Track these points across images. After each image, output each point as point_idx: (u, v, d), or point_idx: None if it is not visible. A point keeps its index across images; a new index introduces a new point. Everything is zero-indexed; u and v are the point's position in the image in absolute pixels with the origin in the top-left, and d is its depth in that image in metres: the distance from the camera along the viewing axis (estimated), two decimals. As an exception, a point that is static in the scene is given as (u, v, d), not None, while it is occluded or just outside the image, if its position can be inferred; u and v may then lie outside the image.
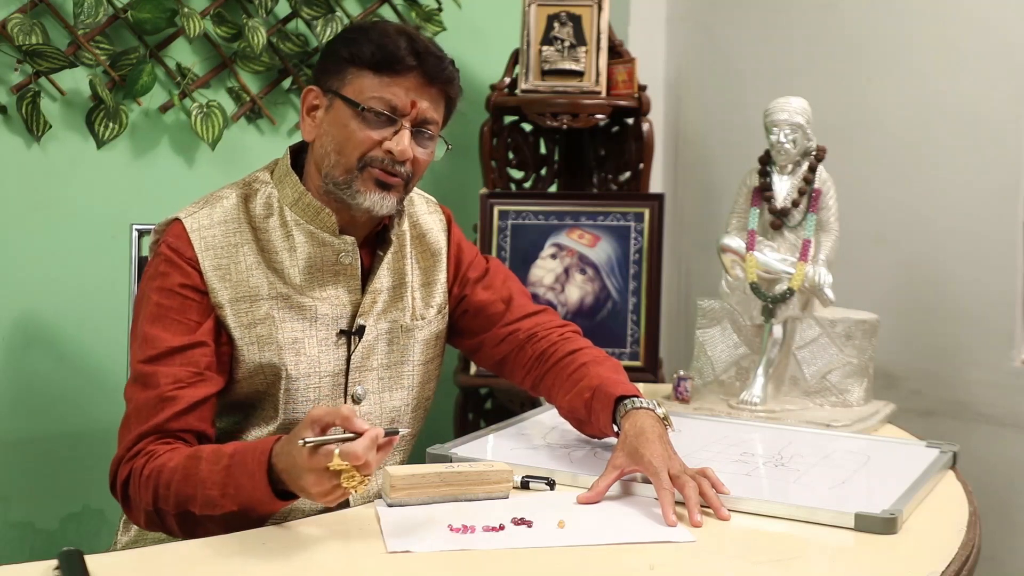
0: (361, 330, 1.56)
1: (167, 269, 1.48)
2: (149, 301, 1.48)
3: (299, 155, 1.60)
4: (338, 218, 1.54)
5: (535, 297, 2.53)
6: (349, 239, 1.54)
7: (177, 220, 1.52)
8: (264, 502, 1.30)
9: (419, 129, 1.51)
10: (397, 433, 1.27)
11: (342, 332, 1.55)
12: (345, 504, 1.55)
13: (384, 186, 1.50)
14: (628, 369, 2.08)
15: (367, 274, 1.59)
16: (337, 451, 1.20)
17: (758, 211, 2.06)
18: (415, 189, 1.73)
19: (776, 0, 2.86)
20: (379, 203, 1.50)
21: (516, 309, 1.71)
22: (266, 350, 1.50)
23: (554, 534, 1.29)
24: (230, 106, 2.38)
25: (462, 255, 1.72)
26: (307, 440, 1.21)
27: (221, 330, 1.49)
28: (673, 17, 3.14)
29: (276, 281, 1.52)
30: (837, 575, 1.25)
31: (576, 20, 2.61)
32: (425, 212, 1.70)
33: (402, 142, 1.48)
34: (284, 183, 1.56)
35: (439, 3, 2.67)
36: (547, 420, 1.80)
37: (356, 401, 1.57)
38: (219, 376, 1.48)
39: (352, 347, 1.56)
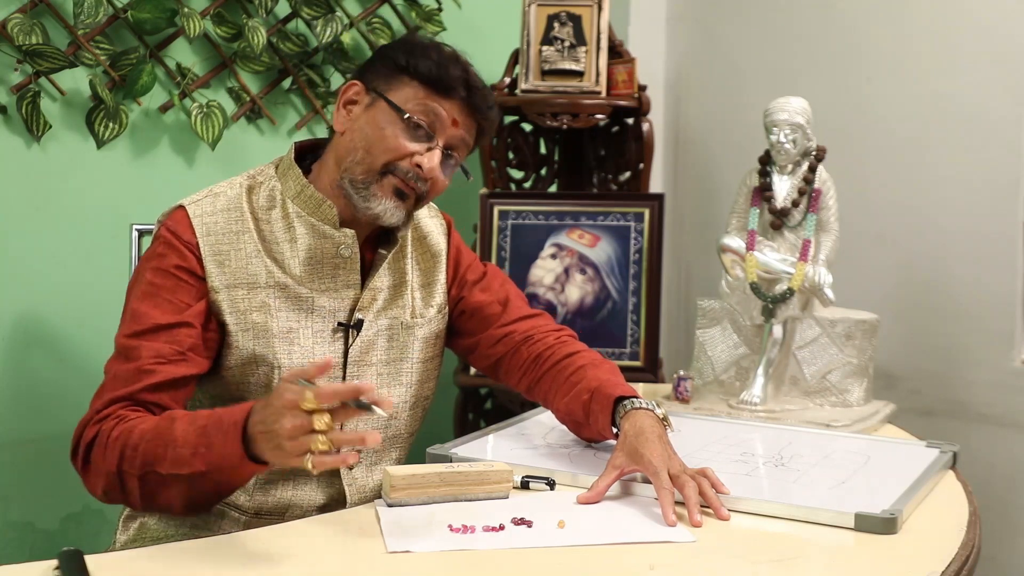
0: (359, 324, 1.57)
1: (164, 250, 1.50)
2: (142, 279, 1.49)
3: (304, 151, 1.62)
4: (341, 212, 1.55)
5: (535, 297, 2.54)
6: (349, 232, 1.55)
7: (181, 207, 1.54)
8: (234, 463, 1.28)
9: (448, 153, 1.54)
10: (370, 409, 1.21)
11: (340, 325, 1.56)
12: (343, 504, 1.56)
13: (401, 195, 1.53)
14: (628, 369, 2.08)
15: (367, 271, 1.60)
16: (309, 391, 1.19)
17: (758, 211, 2.06)
18: None
19: (776, 0, 2.86)
20: (391, 211, 1.53)
21: (512, 311, 1.72)
22: (259, 338, 1.51)
23: (554, 534, 1.29)
24: (230, 106, 2.38)
25: (461, 258, 1.74)
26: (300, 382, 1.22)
27: (211, 315, 1.50)
28: (673, 17, 3.14)
29: (275, 270, 1.53)
30: (837, 575, 1.25)
31: (576, 20, 2.61)
32: (427, 216, 1.72)
33: (433, 160, 1.51)
34: (287, 176, 1.57)
35: (439, 3, 2.67)
36: (547, 420, 1.80)
37: None
38: (202, 360, 1.48)
39: (350, 341, 1.57)
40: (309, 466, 1.19)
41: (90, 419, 1.41)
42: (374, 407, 1.21)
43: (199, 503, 1.38)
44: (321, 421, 1.20)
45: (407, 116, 1.50)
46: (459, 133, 1.54)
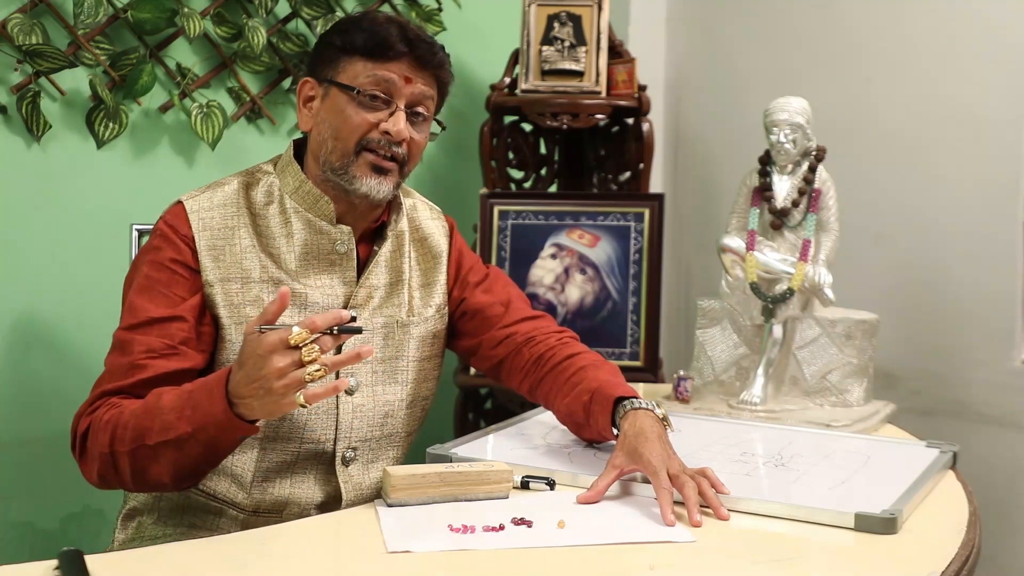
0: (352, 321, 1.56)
1: (160, 244, 1.52)
2: (139, 273, 1.51)
3: (301, 148, 1.62)
4: (337, 208, 1.56)
5: (535, 297, 2.54)
6: (345, 228, 1.56)
7: (179, 202, 1.55)
8: (219, 417, 1.31)
9: (413, 111, 1.55)
10: (359, 331, 1.30)
11: None
12: (339, 501, 1.56)
13: (380, 171, 1.53)
14: (628, 369, 2.08)
15: (363, 268, 1.60)
16: (294, 327, 1.24)
17: (758, 211, 2.06)
18: (420, 196, 1.75)
19: (776, 0, 2.86)
20: (376, 187, 1.53)
21: (514, 312, 1.72)
22: None
23: (554, 534, 1.29)
24: (230, 106, 2.38)
25: (463, 259, 1.74)
26: (262, 327, 1.26)
27: (206, 309, 1.51)
28: (673, 17, 3.14)
29: (270, 265, 1.54)
30: (837, 575, 1.25)
31: (576, 20, 2.61)
32: (428, 218, 1.72)
33: (398, 123, 1.52)
34: (286, 172, 1.58)
35: (439, 3, 2.67)
36: (547, 420, 1.80)
37: (349, 393, 1.58)
38: (196, 353, 1.49)
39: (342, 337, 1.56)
40: (301, 401, 1.25)
41: (83, 411, 1.45)
42: (358, 326, 1.29)
43: (187, 472, 1.39)
44: (311, 352, 1.24)
45: (358, 91, 1.51)
46: (417, 89, 1.54)
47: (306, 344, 1.25)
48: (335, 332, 1.28)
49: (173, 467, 1.37)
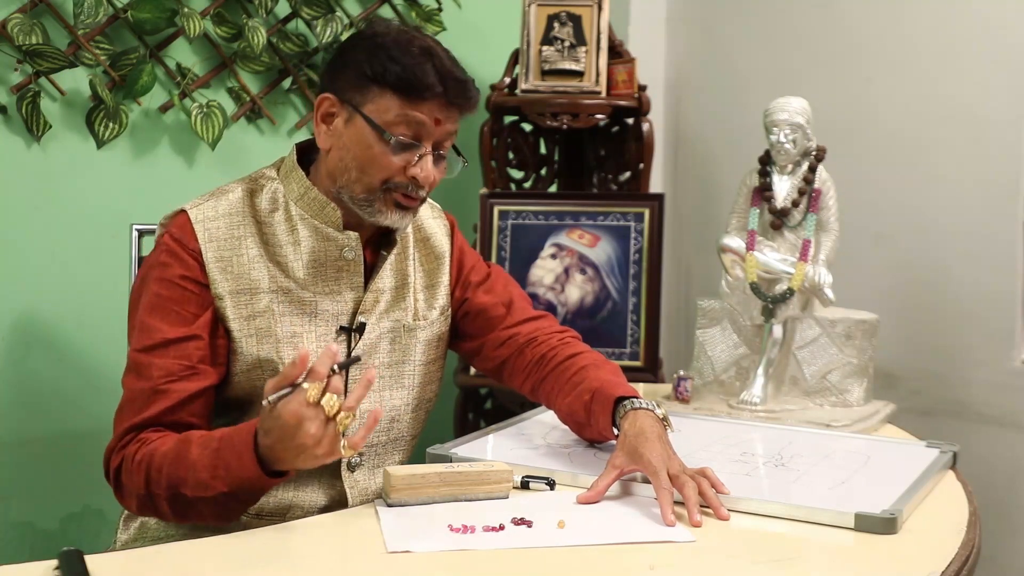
0: (362, 327, 1.56)
1: (168, 260, 1.49)
2: (149, 290, 1.49)
3: (305, 152, 1.60)
4: (343, 214, 1.54)
5: (535, 297, 2.54)
6: (353, 235, 1.55)
7: (183, 211, 1.52)
8: (253, 481, 1.32)
9: (438, 153, 1.52)
10: (358, 359, 1.36)
11: (343, 328, 1.55)
12: (344, 506, 1.55)
13: (404, 208, 1.52)
14: (628, 369, 2.08)
15: (370, 273, 1.59)
16: (304, 384, 1.22)
17: (758, 211, 2.06)
18: None
19: (776, 0, 2.86)
20: (399, 222, 1.53)
21: (516, 313, 1.72)
22: (264, 343, 1.50)
23: (554, 534, 1.29)
24: (230, 106, 2.38)
25: (464, 259, 1.73)
26: (270, 399, 1.24)
27: (219, 323, 1.50)
28: (673, 17, 3.14)
29: (278, 275, 1.52)
30: (837, 575, 1.25)
31: (576, 20, 2.61)
32: (429, 217, 1.71)
33: (426, 167, 1.49)
34: (290, 178, 1.56)
35: (439, 3, 2.67)
36: (547, 420, 1.80)
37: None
38: (213, 370, 1.48)
39: (352, 344, 1.56)
40: (349, 454, 1.26)
41: (114, 447, 1.44)
42: (355, 356, 1.31)
43: (231, 514, 1.40)
44: (332, 406, 1.23)
45: (388, 136, 1.46)
46: (444, 129, 1.50)
47: (324, 397, 1.23)
48: (337, 371, 1.26)
49: (214, 515, 1.38)
